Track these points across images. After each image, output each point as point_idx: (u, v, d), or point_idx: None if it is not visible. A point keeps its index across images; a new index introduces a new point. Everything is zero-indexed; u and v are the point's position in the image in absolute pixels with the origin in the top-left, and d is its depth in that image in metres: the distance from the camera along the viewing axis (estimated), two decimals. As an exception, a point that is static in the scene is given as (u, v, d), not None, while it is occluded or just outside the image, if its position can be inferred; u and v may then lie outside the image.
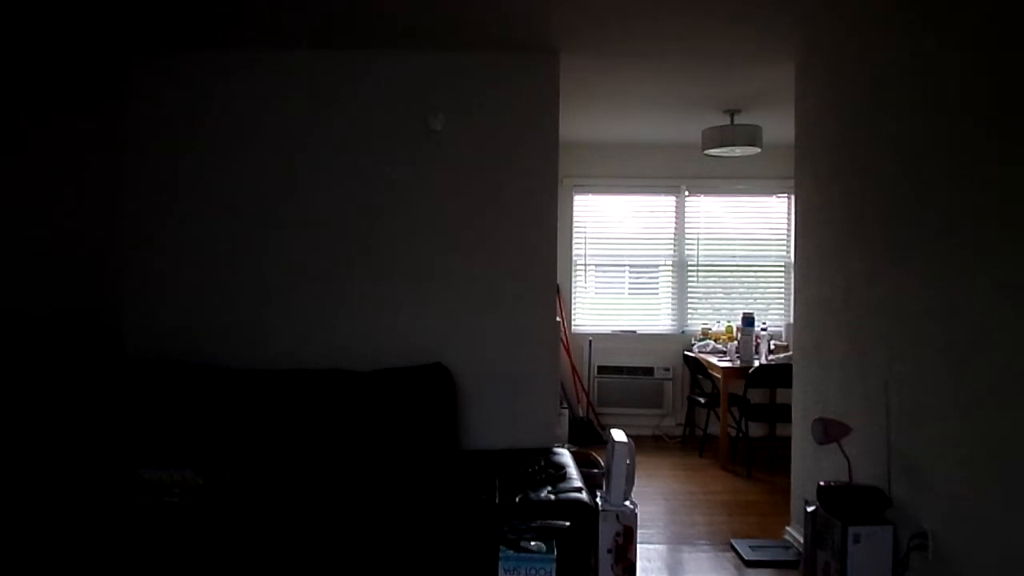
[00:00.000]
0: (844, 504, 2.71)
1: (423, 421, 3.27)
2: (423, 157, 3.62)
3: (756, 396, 5.35)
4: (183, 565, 2.41)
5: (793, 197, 4.34)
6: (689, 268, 6.12)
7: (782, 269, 6.08)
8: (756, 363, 4.97)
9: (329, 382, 3.31)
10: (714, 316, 6.10)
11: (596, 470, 3.43)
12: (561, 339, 5.27)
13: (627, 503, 2.80)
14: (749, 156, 5.07)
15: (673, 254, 6.13)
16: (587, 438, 5.53)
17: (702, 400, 5.43)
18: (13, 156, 2.89)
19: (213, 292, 3.60)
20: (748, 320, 5.11)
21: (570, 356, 5.88)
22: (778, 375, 4.73)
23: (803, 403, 3.54)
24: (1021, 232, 2.14)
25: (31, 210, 3.01)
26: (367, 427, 3.21)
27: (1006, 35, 2.21)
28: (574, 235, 6.08)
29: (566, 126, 4.42)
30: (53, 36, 3.11)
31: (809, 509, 2.89)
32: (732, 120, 4.84)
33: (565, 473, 3.01)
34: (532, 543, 2.20)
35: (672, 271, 6.13)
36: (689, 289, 6.13)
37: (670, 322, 6.13)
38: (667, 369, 5.92)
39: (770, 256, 6.13)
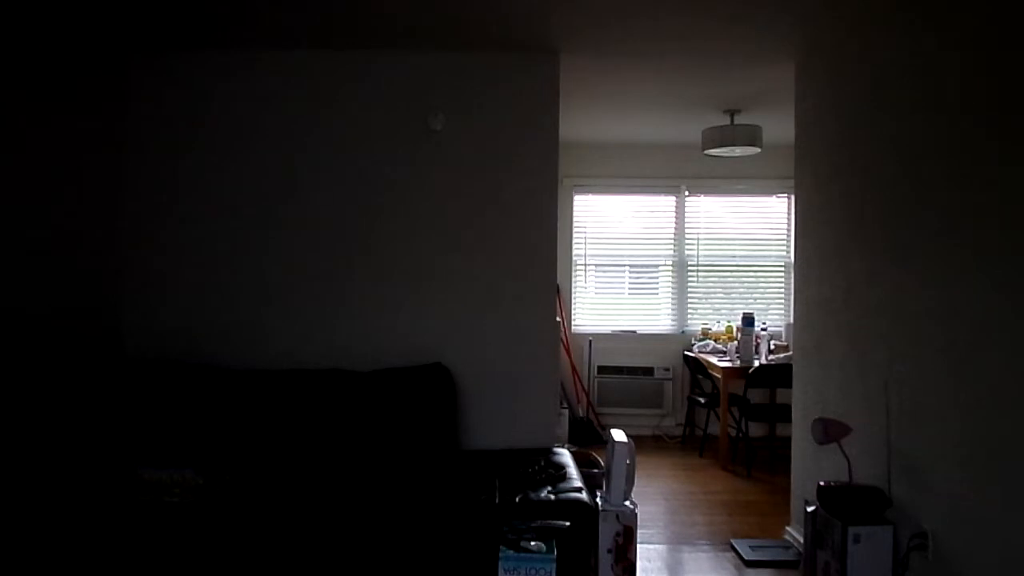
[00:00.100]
0: (844, 504, 2.71)
1: (423, 421, 3.27)
2: (423, 157, 3.62)
3: (756, 396, 5.35)
4: (183, 565, 2.41)
5: (793, 197, 4.34)
6: (689, 268, 6.13)
7: (782, 269, 6.08)
8: (756, 363, 4.97)
9: (329, 382, 3.31)
10: (714, 316, 6.10)
11: (596, 470, 3.43)
12: (561, 339, 5.27)
13: (627, 503, 2.80)
14: (749, 156, 5.07)
15: (673, 254, 6.13)
16: (587, 438, 5.53)
17: (702, 400, 5.43)
18: (13, 156, 2.89)
19: (213, 292, 3.60)
20: (748, 320, 5.11)
21: (570, 356, 5.88)
22: (778, 375, 4.73)
23: (803, 403, 3.54)
24: (1021, 232, 2.14)
25: (31, 210, 3.01)
26: (367, 427, 3.21)
27: (1006, 35, 2.21)
28: (574, 235, 6.08)
29: (566, 126, 4.42)
30: (53, 36, 3.11)
31: (809, 509, 2.89)
32: (732, 120, 4.84)
33: (565, 473, 3.01)
34: (532, 543, 2.20)
35: (672, 271, 6.13)
36: (689, 289, 6.13)
37: (670, 322, 6.13)
38: (667, 369, 5.92)
39: (770, 256, 6.13)
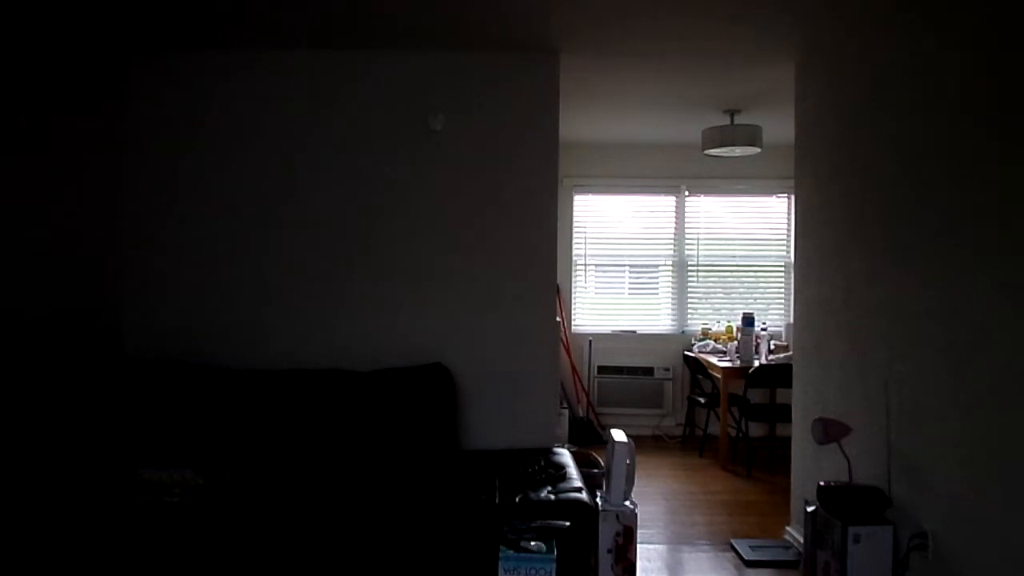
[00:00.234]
0: (844, 504, 2.71)
1: (423, 421, 3.27)
2: (423, 157, 3.62)
3: (756, 396, 5.35)
4: (183, 565, 2.41)
5: (793, 197, 4.34)
6: (689, 268, 6.13)
7: (782, 269, 6.08)
8: (756, 363, 4.97)
9: (329, 382, 3.31)
10: (714, 316, 6.10)
11: (596, 470, 3.43)
12: (561, 339, 5.27)
13: (627, 503, 2.80)
14: (749, 156, 5.07)
15: (673, 254, 6.13)
16: (587, 438, 5.53)
17: (702, 400, 5.43)
18: (13, 156, 2.90)
19: (213, 292, 3.60)
20: (748, 320, 5.11)
21: (570, 356, 5.88)
22: (778, 375, 4.73)
23: (803, 403, 3.54)
24: (1021, 232, 2.14)
25: (31, 210, 3.01)
26: (367, 427, 3.21)
27: (1006, 35, 2.21)
28: (574, 235, 6.08)
29: (566, 126, 4.42)
30: (53, 36, 3.11)
31: (809, 509, 2.89)
32: (732, 120, 4.84)
33: (565, 473, 3.01)
34: (532, 543, 2.20)
35: (672, 271, 6.13)
36: (689, 289, 6.13)
37: (670, 322, 6.13)
38: (667, 369, 5.92)
39: (770, 256, 6.13)
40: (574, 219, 6.08)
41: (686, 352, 5.75)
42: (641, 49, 3.58)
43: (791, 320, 5.23)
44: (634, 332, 6.08)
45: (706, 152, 4.94)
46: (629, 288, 6.23)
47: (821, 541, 2.78)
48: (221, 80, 3.62)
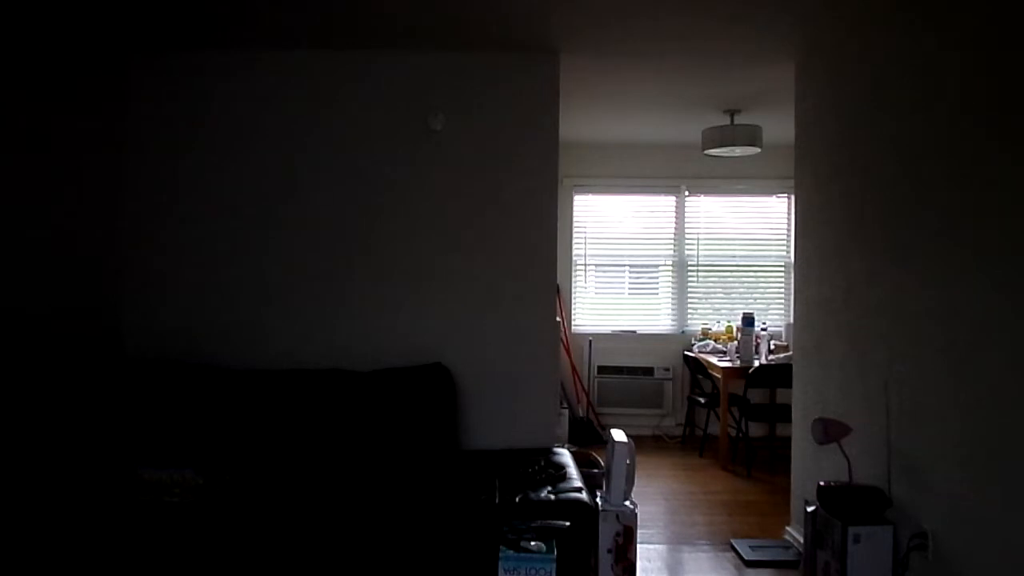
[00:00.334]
0: (844, 504, 2.71)
1: (423, 421, 3.27)
2: (423, 157, 3.62)
3: (756, 396, 5.35)
4: (183, 565, 2.41)
5: (793, 197, 4.34)
6: (689, 268, 6.13)
7: (782, 269, 6.08)
8: (756, 363, 4.97)
9: (329, 382, 3.31)
10: (714, 316, 6.10)
11: (596, 470, 3.43)
12: (561, 339, 5.26)
13: (627, 503, 2.80)
14: (749, 156, 5.07)
15: (673, 254, 6.13)
16: (587, 438, 5.53)
17: (702, 400, 5.43)
18: (13, 156, 2.90)
19: (213, 292, 3.60)
20: (748, 320, 5.11)
21: (570, 356, 5.88)
22: (778, 375, 4.73)
23: (803, 403, 3.54)
24: (1021, 232, 2.14)
25: (31, 210, 3.01)
26: (367, 427, 3.21)
27: (1006, 35, 2.21)
28: (574, 235, 6.08)
29: (566, 126, 4.42)
30: (53, 36, 3.11)
31: (809, 509, 2.89)
32: (732, 120, 4.84)
33: (565, 473, 3.01)
34: (532, 543, 2.20)
35: (672, 271, 6.13)
36: (689, 289, 6.13)
37: (670, 322, 6.13)
38: (667, 369, 5.92)
39: (770, 256, 6.13)
40: (574, 219, 6.08)
41: (686, 352, 5.75)
42: (641, 49, 3.58)
43: (791, 320, 5.23)
44: (634, 332, 6.08)
45: (706, 152, 4.94)
46: (629, 288, 6.23)
47: (821, 541, 2.78)
48: (221, 80, 3.62)
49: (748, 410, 5.06)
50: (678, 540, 3.64)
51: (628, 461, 2.84)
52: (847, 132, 3.14)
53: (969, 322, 2.35)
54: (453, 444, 3.38)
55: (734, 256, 6.14)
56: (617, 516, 2.75)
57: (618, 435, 2.92)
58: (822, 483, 2.82)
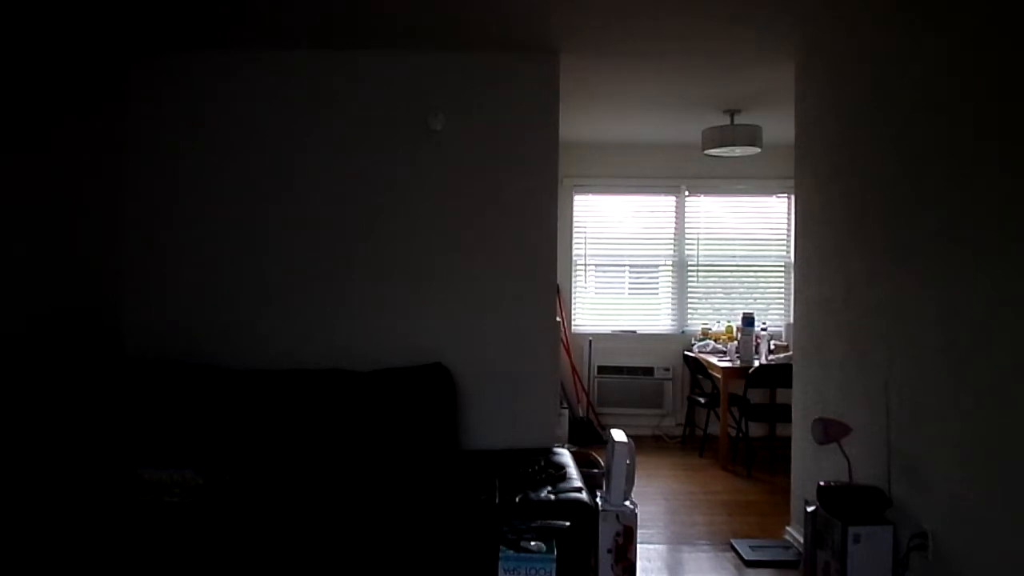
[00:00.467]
0: (844, 504, 2.71)
1: (423, 421, 3.27)
2: (423, 157, 3.62)
3: (756, 396, 5.35)
4: (183, 565, 2.41)
5: (793, 197, 4.34)
6: (689, 268, 6.13)
7: (782, 269, 6.08)
8: (756, 363, 4.97)
9: (329, 382, 3.31)
10: (714, 316, 6.10)
11: (596, 470, 3.43)
12: (561, 339, 5.26)
13: (627, 503, 2.80)
14: (749, 156, 5.07)
15: (673, 254, 6.13)
16: (587, 438, 5.53)
17: (702, 400, 5.43)
18: (13, 156, 2.89)
19: (213, 292, 3.60)
20: (748, 320, 5.11)
21: (570, 356, 5.88)
22: (778, 375, 4.73)
23: (803, 403, 3.54)
24: (1021, 232, 2.14)
25: (31, 210, 3.01)
26: (367, 427, 3.21)
27: (1006, 35, 2.21)
28: (574, 235, 6.08)
29: (566, 126, 4.42)
30: (53, 36, 3.11)
31: (809, 509, 2.89)
32: (732, 120, 4.84)
33: (565, 473, 3.01)
34: (532, 543, 2.20)
35: (672, 271, 6.13)
36: (689, 289, 6.13)
37: (670, 322, 6.13)
38: (667, 369, 5.92)
39: (770, 256, 6.13)
40: (574, 219, 6.08)
41: (686, 352, 5.75)
42: (641, 49, 3.58)
43: (791, 320, 5.23)
44: (634, 332, 6.08)
45: (706, 152, 4.94)
46: (629, 288, 6.23)
47: (821, 541, 2.78)
48: (221, 80, 3.62)
49: (748, 410, 5.06)
50: (678, 540, 3.64)
51: (628, 461, 2.84)
52: (847, 132, 3.14)
53: (969, 322, 2.35)
54: (453, 444, 3.38)
55: (734, 256, 6.14)
56: (617, 516, 2.75)
57: (618, 435, 2.92)
58: (822, 483, 2.82)
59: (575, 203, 6.08)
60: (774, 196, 6.08)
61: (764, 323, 5.69)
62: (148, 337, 3.58)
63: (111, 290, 3.54)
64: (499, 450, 3.41)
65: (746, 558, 3.36)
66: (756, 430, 5.46)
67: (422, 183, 3.62)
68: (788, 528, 3.65)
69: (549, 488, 2.85)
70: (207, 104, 3.62)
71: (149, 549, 2.43)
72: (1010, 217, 2.19)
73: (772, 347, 5.39)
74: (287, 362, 3.54)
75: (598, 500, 2.82)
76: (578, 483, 2.90)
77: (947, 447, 2.46)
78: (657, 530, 3.77)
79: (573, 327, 6.04)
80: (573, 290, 6.09)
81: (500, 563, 2.15)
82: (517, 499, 2.72)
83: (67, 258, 3.23)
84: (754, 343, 5.13)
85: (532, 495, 2.76)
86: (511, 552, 2.16)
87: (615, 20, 3.20)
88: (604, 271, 6.20)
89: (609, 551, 2.74)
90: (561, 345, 5.38)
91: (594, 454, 3.79)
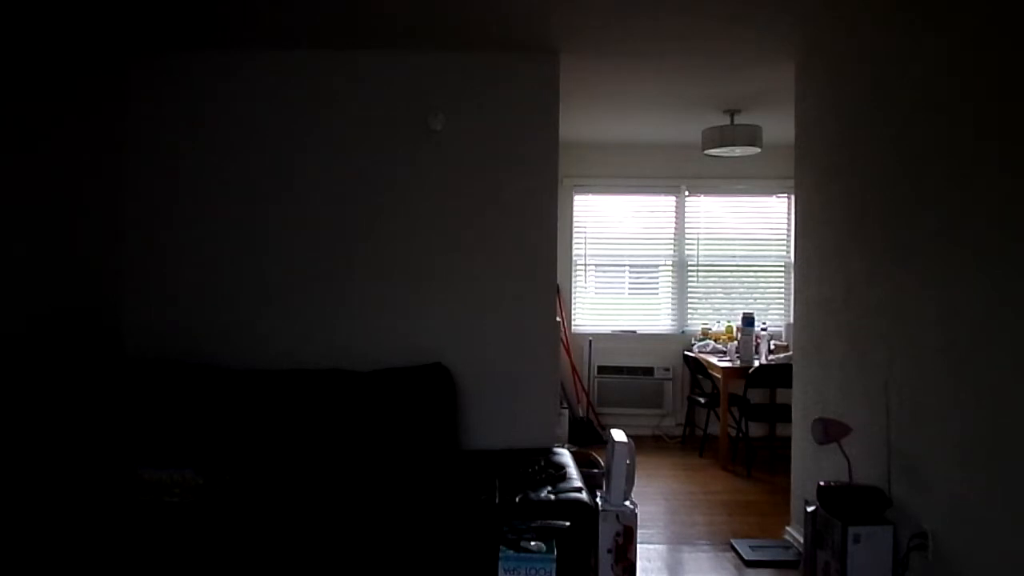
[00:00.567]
0: (844, 504, 2.71)
1: (423, 421, 3.27)
2: (423, 157, 3.62)
3: (756, 396, 5.35)
4: (183, 565, 2.41)
5: (793, 197, 4.34)
6: (689, 268, 6.13)
7: (782, 269, 6.08)
8: (756, 363, 4.97)
9: (329, 382, 3.31)
10: (714, 316, 6.10)
11: (596, 470, 3.43)
12: (561, 339, 5.26)
13: (627, 503, 2.80)
14: (749, 156, 5.07)
15: (673, 254, 6.13)
16: (587, 438, 5.53)
17: (702, 400, 5.43)
18: (13, 156, 2.89)
19: (213, 292, 3.60)
20: (748, 320, 5.11)
21: (570, 356, 5.88)
22: (778, 375, 4.73)
23: (803, 403, 3.54)
24: (1021, 232, 2.14)
25: (31, 210, 3.01)
26: (367, 427, 3.21)
27: (1006, 35, 2.21)
28: (574, 235, 6.08)
29: (566, 126, 4.42)
30: (53, 36, 3.11)
31: (809, 509, 2.89)
32: (732, 120, 4.84)
33: (565, 473, 3.01)
34: (532, 543, 2.20)
35: (672, 271, 6.13)
36: (689, 289, 6.13)
37: (670, 322, 6.13)
38: (667, 369, 5.92)
39: (770, 256, 6.13)
40: (574, 219, 6.08)
41: (686, 352, 5.75)
42: (641, 49, 3.58)
43: (791, 320, 5.23)
44: (634, 332, 6.08)
45: (706, 152, 4.94)
46: (629, 288, 6.23)
47: (821, 541, 2.78)
48: (221, 80, 3.62)
49: (748, 410, 5.06)
50: (678, 540, 3.64)
51: (628, 461, 2.84)
52: (847, 132, 3.14)
53: (969, 322, 2.35)
54: (453, 444, 3.38)
55: (734, 256, 6.14)
56: (617, 516, 2.75)
57: (618, 435, 2.92)
58: (822, 483, 2.82)
59: (575, 203, 6.08)
60: (774, 196, 6.08)
61: (764, 323, 5.69)
62: (148, 337, 3.58)
63: (111, 290, 3.54)
64: (499, 450, 3.41)
65: (746, 558, 3.36)
66: (756, 430, 5.46)
67: (422, 183, 3.62)
68: (788, 528, 3.65)
69: (549, 488, 2.85)
70: (207, 104, 3.62)
71: (149, 549, 2.43)
72: (1010, 217, 2.19)
73: (772, 347, 5.39)
74: (287, 362, 3.54)
75: (598, 500, 2.82)
76: (578, 483, 2.90)
77: (947, 447, 2.46)
78: (657, 530, 3.77)
79: (573, 327, 6.04)
80: (573, 290, 6.09)
81: (500, 563, 2.15)
82: (517, 499, 2.72)
83: (67, 258, 3.23)
84: (754, 343, 5.13)
85: (532, 495, 2.76)
86: (511, 552, 2.16)
87: (615, 20, 3.20)
88: (604, 271, 6.20)
89: (609, 551, 2.74)
90: (561, 345, 5.38)
91: (594, 454, 3.79)
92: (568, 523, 2.46)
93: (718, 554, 3.45)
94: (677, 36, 3.39)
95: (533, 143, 3.62)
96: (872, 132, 2.94)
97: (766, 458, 5.16)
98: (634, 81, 4.16)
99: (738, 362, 5.03)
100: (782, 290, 6.09)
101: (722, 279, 6.17)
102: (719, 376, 5.02)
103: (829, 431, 2.86)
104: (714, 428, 5.26)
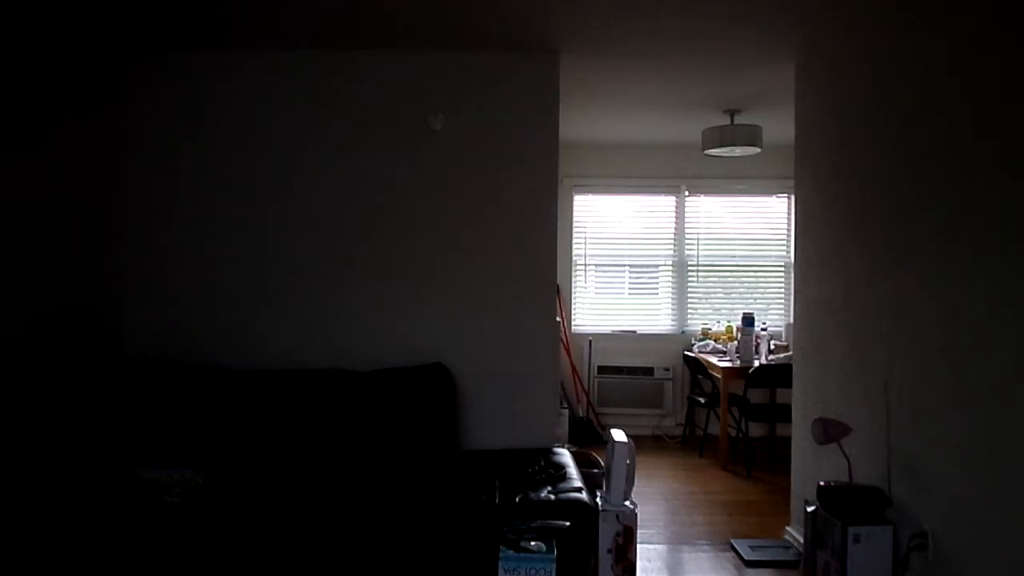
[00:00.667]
0: (844, 504, 2.71)
1: (423, 421, 3.27)
2: (423, 157, 3.62)
3: (756, 396, 5.35)
4: (183, 565, 2.41)
5: (793, 197, 4.34)
6: (689, 268, 6.13)
7: (782, 269, 6.08)
8: (756, 363, 4.97)
9: (329, 382, 3.31)
10: (714, 316, 6.10)
11: (596, 470, 3.43)
12: (561, 339, 5.26)
13: (627, 503, 2.80)
14: (749, 156, 5.07)
15: (673, 254, 6.13)
16: (587, 438, 5.53)
17: (702, 400, 5.43)
18: (13, 156, 2.89)
19: (213, 292, 3.60)
20: (748, 320, 5.11)
21: (570, 356, 5.88)
22: (778, 375, 4.73)
23: (803, 403, 3.54)
24: (1021, 232, 2.14)
25: (31, 210, 3.01)
26: (367, 427, 3.21)
27: (1006, 35, 2.21)
28: (574, 235, 6.08)
29: (566, 126, 4.42)
30: (53, 36, 3.11)
31: (809, 509, 2.89)
32: (732, 120, 4.84)
33: (565, 473, 3.01)
34: (532, 543, 2.20)
35: (672, 271, 6.13)
36: (689, 289, 6.13)
37: (670, 322, 6.13)
38: (667, 369, 5.92)
39: (770, 256, 6.13)
40: (574, 219, 6.08)
41: (686, 352, 5.75)
42: (641, 49, 3.58)
43: (791, 320, 5.23)
44: (634, 332, 6.08)
45: (706, 152, 4.94)
46: (629, 288, 6.23)
47: (821, 541, 2.78)
48: (221, 80, 3.62)
49: (748, 410, 5.06)
50: (678, 540, 3.64)
51: (628, 461, 2.84)
52: (847, 132, 3.14)
53: (969, 322, 2.35)
54: (453, 444, 3.38)
55: (734, 256, 6.14)
56: (617, 516, 2.75)
57: (618, 435, 2.92)
58: (822, 483, 2.82)
59: (575, 203, 6.08)
60: (774, 196, 6.08)
61: (764, 323, 5.69)
62: (148, 337, 3.58)
63: (111, 290, 3.54)
64: (499, 450, 3.41)
65: (746, 558, 3.36)
66: (756, 430, 5.46)
67: (422, 183, 3.62)
68: (788, 528, 3.65)
69: (549, 488, 2.85)
70: (207, 104, 3.62)
71: (149, 549, 2.43)
72: (1010, 217, 2.19)
73: (772, 347, 5.39)
74: (287, 362, 3.54)
75: (598, 500, 2.82)
76: (578, 483, 2.90)
77: (947, 447, 2.46)
78: (657, 530, 3.77)
79: (573, 327, 6.04)
80: (573, 290, 6.09)
81: (500, 563, 2.15)
82: (517, 499, 2.72)
83: (67, 258, 3.23)
84: (754, 343, 5.13)
85: (532, 495, 2.76)
86: (511, 552, 2.16)
87: (615, 20, 3.20)
88: (604, 271, 6.20)
89: (609, 551, 2.74)
90: (561, 345, 5.38)
91: (594, 454, 3.79)
92: (568, 523, 2.46)
93: (718, 554, 3.45)
94: (677, 36, 3.39)
95: (533, 143, 3.62)
96: (872, 132, 2.94)
97: (766, 458, 5.16)
98: (634, 81, 4.16)
99: (738, 362, 5.03)
100: (782, 290, 6.09)
101: (722, 279, 6.17)
102: (719, 376, 5.02)
103: (829, 431, 2.86)
104: (714, 428, 5.26)
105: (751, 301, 6.08)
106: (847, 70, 3.15)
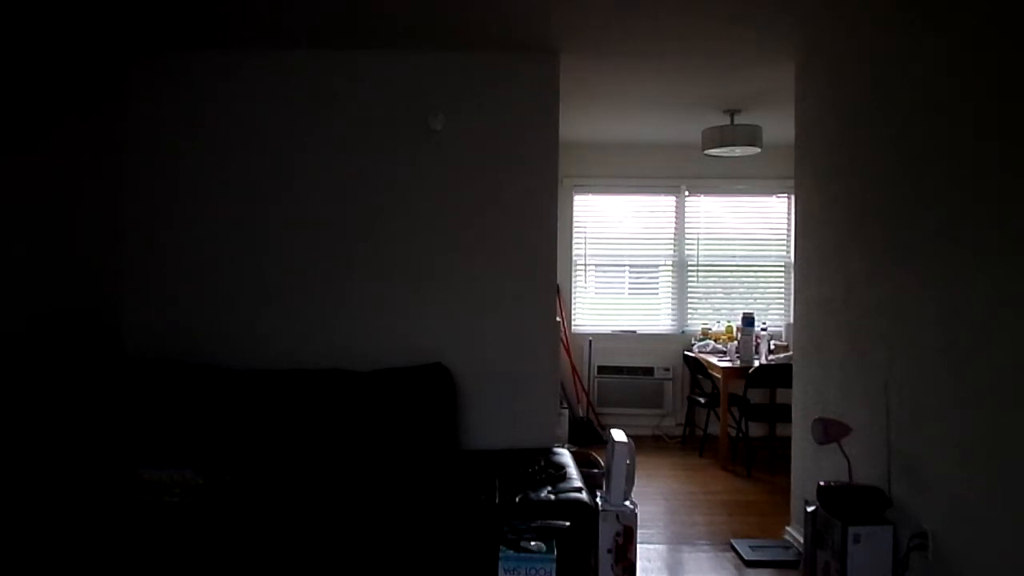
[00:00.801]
0: (844, 504, 2.71)
1: (423, 421, 3.27)
2: (423, 157, 3.62)
3: (756, 396, 5.35)
4: (183, 565, 2.41)
5: (793, 197, 4.34)
6: (689, 268, 6.13)
7: (782, 269, 6.08)
8: (756, 363, 4.97)
9: (329, 382, 3.31)
10: (714, 316, 6.10)
11: (596, 470, 3.43)
12: (561, 339, 5.26)
13: (627, 503, 2.80)
14: (749, 156, 5.07)
15: (673, 254, 6.13)
16: (587, 438, 5.53)
17: (702, 400, 5.43)
18: (13, 156, 2.89)
19: (213, 292, 3.60)
20: (748, 320, 5.11)
21: (570, 356, 5.88)
22: (778, 375, 4.73)
23: (803, 403, 3.54)
24: (1021, 232, 2.14)
25: (31, 210, 3.01)
26: (367, 427, 3.21)
27: (1006, 35, 2.21)
28: (574, 235, 6.08)
29: (566, 126, 4.42)
30: (53, 36, 3.11)
31: (809, 509, 2.89)
32: (732, 120, 4.84)
33: (565, 473, 3.01)
34: (532, 543, 2.20)
35: (672, 271, 6.13)
36: (689, 289, 6.13)
37: (670, 322, 6.13)
38: (667, 369, 5.92)
39: (770, 256, 6.13)
40: (574, 219, 6.08)
41: (686, 352, 5.75)
42: (641, 49, 3.58)
43: (791, 320, 5.23)
44: (634, 332, 6.08)
45: (706, 152, 4.94)
46: (629, 288, 6.23)
47: (821, 541, 2.78)
48: (221, 80, 3.62)
49: (748, 410, 5.06)
50: (678, 540, 3.64)
51: (628, 461, 2.84)
52: (847, 132, 3.14)
53: (969, 322, 2.35)
54: (453, 444, 3.38)
55: (734, 256, 6.14)
56: (617, 516, 2.75)
57: (618, 435, 2.92)
58: (822, 483, 2.82)
59: (575, 203, 6.08)
60: (774, 196, 6.08)
61: (764, 323, 5.69)
62: (148, 337, 3.58)
63: (111, 290, 3.54)
64: (499, 450, 3.41)
65: (746, 558, 3.36)
66: (756, 430, 5.46)
67: (422, 183, 3.62)
68: (788, 528, 3.65)
69: (549, 488, 2.85)
70: (207, 104, 3.62)
71: (149, 549, 2.43)
72: (1010, 217, 2.19)
73: (772, 347, 5.39)
74: (287, 362, 3.54)
75: (598, 500, 2.82)
76: (578, 483, 2.90)
77: (947, 447, 2.46)
78: (657, 530, 3.77)
79: (573, 327, 6.04)
80: (573, 290, 6.09)
81: (500, 563, 2.15)
82: (517, 499, 2.72)
83: (67, 258, 3.23)
84: (754, 343, 5.13)
85: (532, 495, 2.76)
86: (511, 552, 2.16)
87: (615, 20, 3.20)
88: (604, 271, 6.20)
89: (609, 551, 2.74)
90: (561, 345, 5.38)
91: (594, 454, 3.79)
92: (568, 523, 2.46)
93: (718, 554, 3.45)
94: (677, 36, 3.39)
95: (533, 143, 3.62)
96: (872, 132, 2.94)
97: (766, 458, 5.16)
98: (634, 81, 4.16)
99: (738, 362, 5.03)
100: (782, 290, 6.09)
101: (722, 279, 6.17)
102: (719, 376, 5.02)
103: (829, 431, 2.86)
104: (714, 428, 5.26)
105: (751, 301, 6.08)
106: (847, 70, 3.15)
